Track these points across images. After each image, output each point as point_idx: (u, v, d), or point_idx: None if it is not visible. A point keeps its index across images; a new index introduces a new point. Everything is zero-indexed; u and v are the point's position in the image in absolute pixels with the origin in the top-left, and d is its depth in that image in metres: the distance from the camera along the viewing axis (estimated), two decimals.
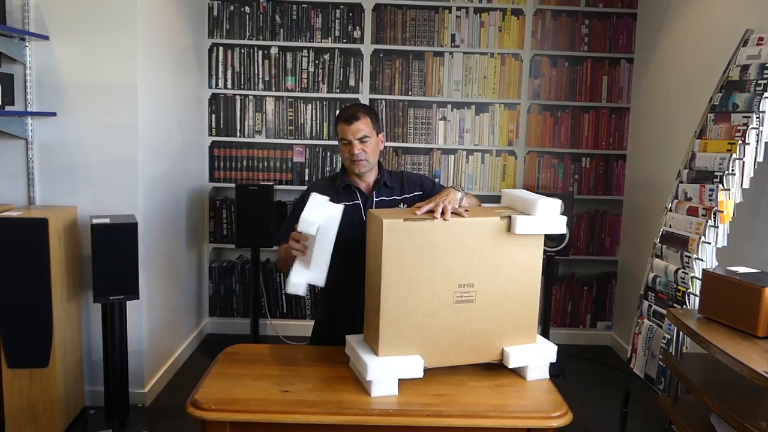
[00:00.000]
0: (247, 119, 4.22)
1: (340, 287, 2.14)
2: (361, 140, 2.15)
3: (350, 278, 1.98)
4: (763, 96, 2.50)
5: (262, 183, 4.03)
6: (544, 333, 3.89)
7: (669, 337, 2.56)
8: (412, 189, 2.24)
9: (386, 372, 1.66)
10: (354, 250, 1.92)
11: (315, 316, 2.51)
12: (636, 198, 4.13)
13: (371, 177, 2.24)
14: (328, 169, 4.23)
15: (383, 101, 4.20)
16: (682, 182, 2.81)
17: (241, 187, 3.81)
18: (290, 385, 1.71)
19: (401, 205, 2.20)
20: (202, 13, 4.11)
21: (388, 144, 4.21)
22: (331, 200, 1.91)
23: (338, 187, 2.22)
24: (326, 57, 4.18)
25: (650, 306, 2.81)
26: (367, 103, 4.17)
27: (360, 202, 2.21)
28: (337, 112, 2.28)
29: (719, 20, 3.21)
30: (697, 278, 2.52)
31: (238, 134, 4.22)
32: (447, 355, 1.74)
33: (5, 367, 2.71)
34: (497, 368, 1.80)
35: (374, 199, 2.21)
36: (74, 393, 3.02)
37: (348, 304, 2.03)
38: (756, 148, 2.51)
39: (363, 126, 2.15)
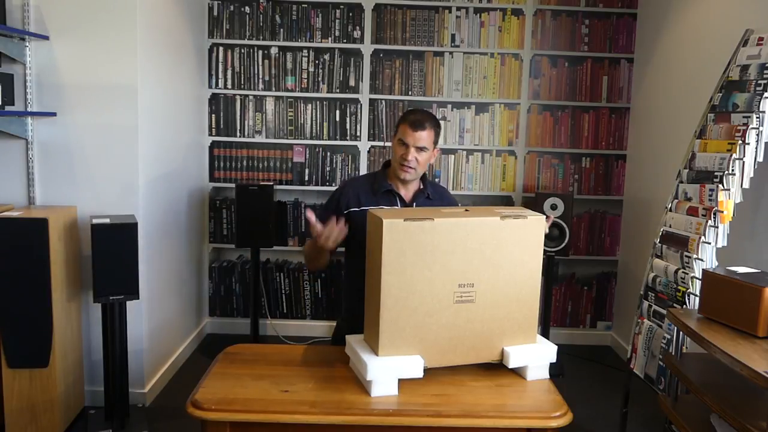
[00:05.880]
0: (247, 119, 4.22)
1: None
2: (419, 150, 2.17)
3: None
4: (763, 96, 2.50)
5: (262, 183, 4.03)
6: (544, 333, 3.89)
7: (669, 337, 2.56)
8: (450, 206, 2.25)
9: (386, 372, 1.66)
10: None
11: (340, 315, 2.52)
12: (636, 198, 4.13)
13: (413, 186, 2.27)
14: (328, 169, 4.23)
15: (383, 101, 4.20)
16: (682, 182, 2.81)
17: (241, 187, 3.81)
18: (290, 385, 1.71)
19: None
20: (202, 13, 4.11)
21: (387, 144, 4.21)
22: (368, 202, 1.98)
23: (377, 189, 2.20)
24: (326, 57, 4.18)
25: (650, 306, 2.81)
26: (367, 103, 4.18)
27: (400, 208, 2.22)
28: (405, 111, 2.32)
29: (719, 20, 3.21)
30: (697, 278, 2.52)
31: (238, 134, 4.22)
32: (447, 355, 1.74)
33: (5, 367, 2.72)
34: (497, 368, 1.80)
35: (414, 208, 2.22)
36: (74, 393, 3.02)
37: None
38: (756, 148, 2.51)
39: (425, 136, 2.18)
